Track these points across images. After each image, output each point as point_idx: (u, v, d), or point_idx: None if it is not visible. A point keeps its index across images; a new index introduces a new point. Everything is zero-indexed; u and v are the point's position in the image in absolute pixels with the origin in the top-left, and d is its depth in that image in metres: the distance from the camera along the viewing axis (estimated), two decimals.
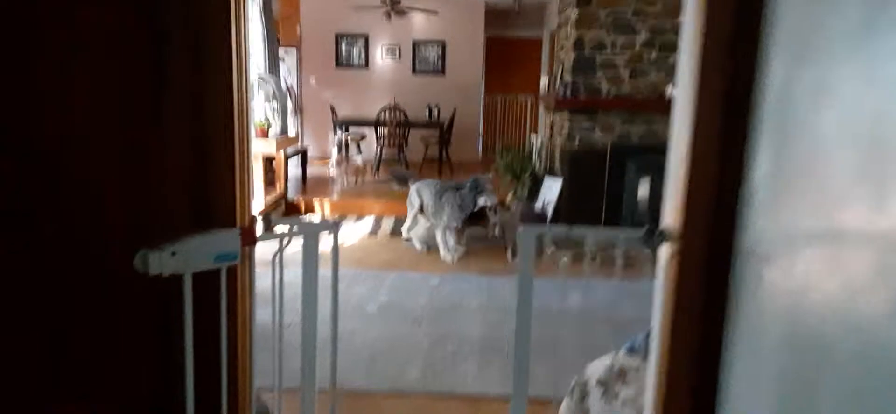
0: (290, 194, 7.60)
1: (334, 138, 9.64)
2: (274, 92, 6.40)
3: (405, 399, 3.36)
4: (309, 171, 8.96)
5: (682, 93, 1.36)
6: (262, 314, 1.79)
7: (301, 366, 1.80)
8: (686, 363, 1.35)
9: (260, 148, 6.16)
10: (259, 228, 1.55)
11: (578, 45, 5.92)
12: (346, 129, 9.72)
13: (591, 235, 1.74)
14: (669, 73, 5.86)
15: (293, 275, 1.86)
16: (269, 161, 6.97)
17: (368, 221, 6.98)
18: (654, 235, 1.45)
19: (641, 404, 2.44)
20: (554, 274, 5.00)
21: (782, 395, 1.10)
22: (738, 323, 1.27)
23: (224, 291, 1.43)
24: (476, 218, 5.45)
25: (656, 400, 1.45)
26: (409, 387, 3.44)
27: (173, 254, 1.26)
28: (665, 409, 1.37)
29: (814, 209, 1.03)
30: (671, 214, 1.41)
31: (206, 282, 1.39)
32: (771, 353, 1.15)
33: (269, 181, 7.02)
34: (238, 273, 1.51)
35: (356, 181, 8.78)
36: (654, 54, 5.89)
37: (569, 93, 5.94)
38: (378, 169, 9.27)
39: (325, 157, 9.62)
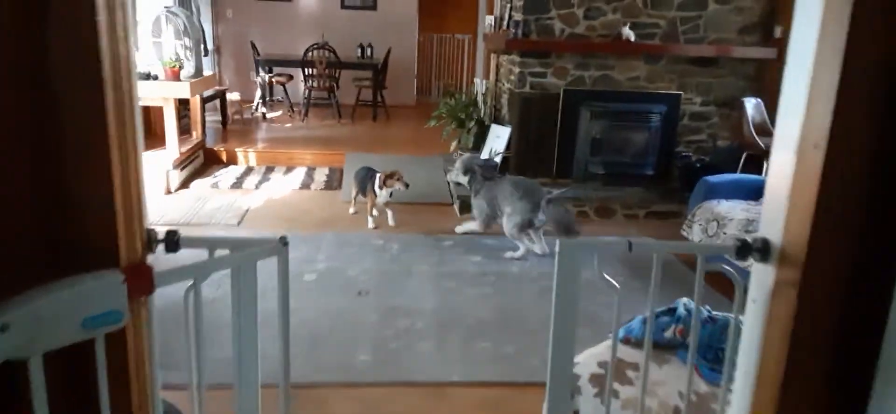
0: (210, 142, 6.84)
1: (257, 79, 8.79)
2: (185, 27, 5.57)
3: (357, 391, 2.90)
4: (233, 115, 8.14)
5: (808, 37, 0.91)
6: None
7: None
8: None
9: (171, 91, 5.38)
10: (156, 260, 0.96)
11: None
12: (270, 70, 8.89)
13: (659, 250, 1.29)
14: (626, 12, 5.46)
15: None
16: (183, 105, 6.18)
17: (299, 172, 6.35)
18: (751, 250, 1.02)
19: (649, 408, 2.09)
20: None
21: None
22: None
23: (104, 376, 0.86)
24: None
25: None
26: (360, 376, 2.98)
27: (4, 328, 0.71)
28: None
29: None
30: (779, 222, 0.98)
31: (71, 359, 0.82)
32: None
33: (184, 128, 6.24)
34: (127, 339, 0.95)
35: (288, 124, 8.06)
36: None
37: (520, 33, 5.45)
38: (307, 113, 8.54)
39: (247, 100, 8.79)
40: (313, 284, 3.85)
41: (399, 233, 4.77)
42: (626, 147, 5.79)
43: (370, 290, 3.80)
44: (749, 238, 1.04)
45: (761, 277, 1.03)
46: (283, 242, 1.16)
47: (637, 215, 5.45)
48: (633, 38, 5.40)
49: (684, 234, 4.38)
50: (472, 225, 4.72)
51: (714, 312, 2.23)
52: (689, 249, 1.41)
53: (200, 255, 1.09)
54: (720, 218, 4.06)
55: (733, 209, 4.10)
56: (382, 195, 4.76)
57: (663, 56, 5.57)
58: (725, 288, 3.78)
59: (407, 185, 4.73)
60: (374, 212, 4.90)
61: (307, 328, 3.32)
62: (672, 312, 2.27)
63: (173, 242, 1.01)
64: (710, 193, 4.35)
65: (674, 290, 3.88)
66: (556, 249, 1.10)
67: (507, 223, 4.41)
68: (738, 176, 4.79)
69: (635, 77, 5.63)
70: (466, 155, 4.75)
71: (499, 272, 4.18)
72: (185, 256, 1.07)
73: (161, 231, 0.99)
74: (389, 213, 4.88)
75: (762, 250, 1.01)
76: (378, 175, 4.80)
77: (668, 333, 2.21)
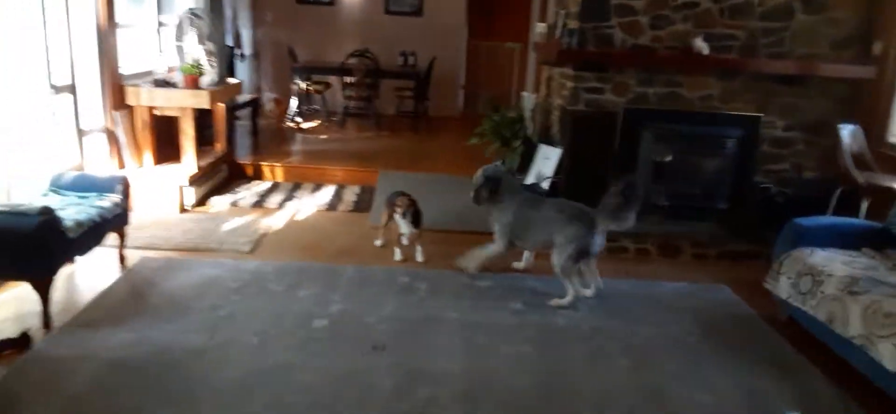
0: (241, 154, 6.43)
1: (293, 87, 8.38)
2: (208, 32, 5.14)
3: None
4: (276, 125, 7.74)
5: None
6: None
7: None
8: None
9: (188, 100, 4.94)
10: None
11: None
12: (308, 77, 8.46)
13: None
14: (699, 22, 4.75)
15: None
16: (209, 115, 5.76)
17: (328, 191, 5.84)
18: None
19: None
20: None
21: None
22: None
23: None
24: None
25: None
26: None
27: None
28: None
29: None
30: None
31: None
32: None
33: (208, 139, 5.82)
34: None
35: (323, 135, 7.60)
36: None
37: (574, 43, 4.80)
38: (344, 124, 8.06)
39: (283, 105, 8.40)
40: (322, 334, 3.29)
41: (429, 269, 4.19)
42: (694, 176, 5.06)
43: (387, 344, 3.22)
44: None
45: None
46: None
47: (707, 255, 4.72)
48: (706, 51, 4.68)
49: (769, 286, 3.65)
50: (488, 250, 4.06)
51: None
52: None
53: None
54: (815, 271, 3.33)
55: (831, 261, 3.37)
56: (404, 225, 4.19)
57: (741, 72, 4.83)
58: (814, 354, 3.02)
59: (416, 221, 4.21)
60: (403, 241, 4.33)
61: (305, 396, 2.75)
62: None
63: None
64: (801, 239, 3.62)
65: (770, 374, 3.14)
66: None
67: (558, 256, 3.74)
68: (833, 219, 4.02)
69: (708, 96, 4.90)
70: (488, 166, 4.12)
71: (542, 325, 3.54)
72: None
73: None
74: (418, 248, 4.30)
75: None
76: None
77: None
